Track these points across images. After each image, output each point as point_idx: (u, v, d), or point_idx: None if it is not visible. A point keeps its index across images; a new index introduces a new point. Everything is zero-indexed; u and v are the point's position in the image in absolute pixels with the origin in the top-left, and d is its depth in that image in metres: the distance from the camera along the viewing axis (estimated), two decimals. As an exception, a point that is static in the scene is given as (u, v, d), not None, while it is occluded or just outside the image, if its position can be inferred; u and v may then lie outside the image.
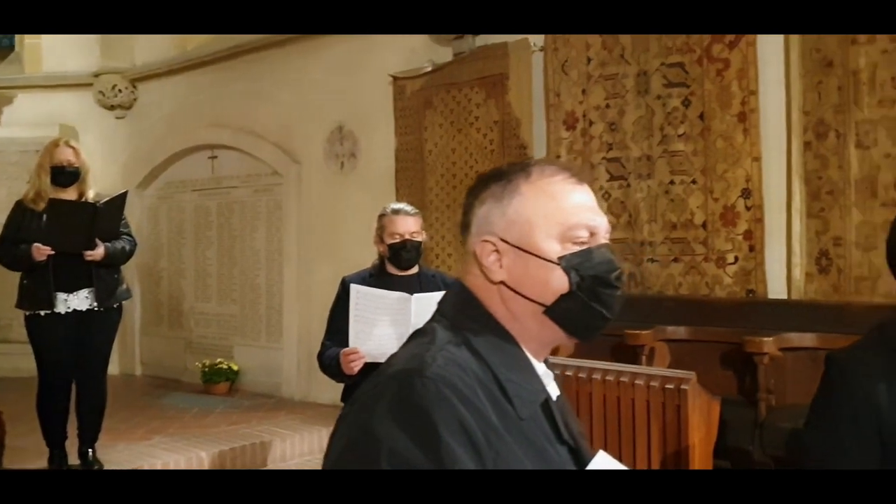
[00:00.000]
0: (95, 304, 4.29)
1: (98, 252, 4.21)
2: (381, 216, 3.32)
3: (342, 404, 2.15)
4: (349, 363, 3.00)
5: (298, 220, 6.32)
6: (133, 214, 6.55)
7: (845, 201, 3.85)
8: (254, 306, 6.78)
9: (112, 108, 7.66)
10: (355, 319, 3.03)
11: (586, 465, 1.15)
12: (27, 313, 4.27)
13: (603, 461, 1.14)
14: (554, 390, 1.18)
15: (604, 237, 1.16)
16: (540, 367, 1.16)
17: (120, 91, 7.58)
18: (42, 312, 4.21)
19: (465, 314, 1.15)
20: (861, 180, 3.81)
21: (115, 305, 4.42)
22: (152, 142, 7.45)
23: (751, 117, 4.09)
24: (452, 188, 5.20)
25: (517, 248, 1.14)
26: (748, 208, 4.11)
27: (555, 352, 4.25)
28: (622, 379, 3.41)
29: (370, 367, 2.94)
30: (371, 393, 1.06)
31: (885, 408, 1.65)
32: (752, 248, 4.10)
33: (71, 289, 4.25)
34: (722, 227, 4.19)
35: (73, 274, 4.22)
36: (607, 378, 3.46)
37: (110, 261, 4.30)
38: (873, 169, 3.79)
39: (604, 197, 4.59)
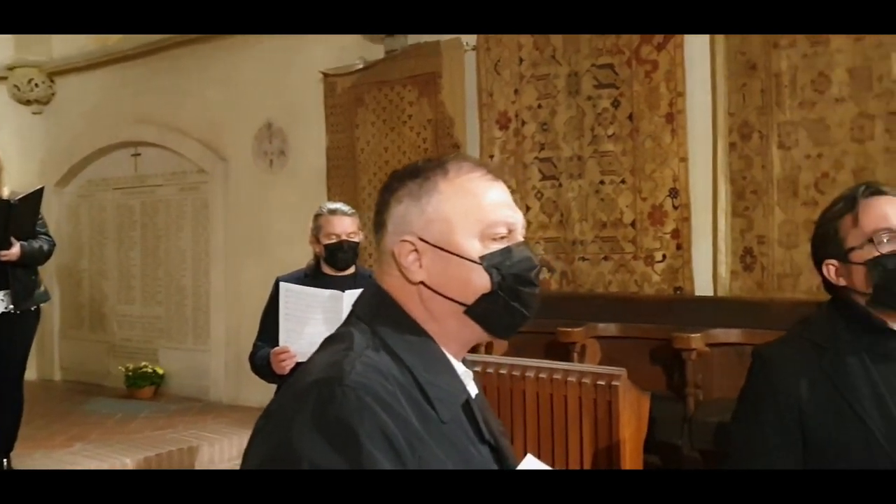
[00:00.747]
0: (11, 306, 4.12)
1: (13, 252, 4.03)
2: (318, 216, 3.26)
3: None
4: (280, 363, 2.94)
5: (226, 220, 6.18)
6: (52, 213, 6.32)
7: (768, 200, 3.97)
8: (180, 308, 6.60)
9: (28, 102, 7.33)
10: (286, 318, 2.97)
11: (508, 463, 1.14)
12: (-62, 317, 4.06)
13: (531, 465, 1.14)
14: (473, 389, 1.16)
15: (520, 234, 1.16)
16: (459, 367, 1.14)
17: (36, 85, 7.27)
18: (-46, 316, 4.01)
19: (382, 316, 1.13)
20: (783, 180, 3.94)
21: (32, 308, 4.25)
22: (72, 138, 7.17)
23: (678, 118, 4.18)
24: (385, 187, 5.15)
25: (437, 247, 1.12)
26: (675, 207, 4.19)
27: (489, 349, 4.27)
28: (555, 376, 3.43)
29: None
30: (288, 404, 1.02)
31: (806, 402, 1.69)
32: (679, 247, 4.19)
33: (-15, 290, 4.07)
34: (650, 225, 4.26)
35: (-13, 275, 4.04)
36: (540, 376, 3.47)
37: (27, 261, 4.13)
38: (794, 169, 3.91)
39: (536, 196, 4.63)
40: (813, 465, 1.70)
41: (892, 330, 1.72)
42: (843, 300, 1.76)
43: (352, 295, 2.97)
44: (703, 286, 4.14)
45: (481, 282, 1.11)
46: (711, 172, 4.11)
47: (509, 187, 4.80)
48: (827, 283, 1.84)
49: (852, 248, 1.71)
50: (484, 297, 1.11)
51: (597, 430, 3.32)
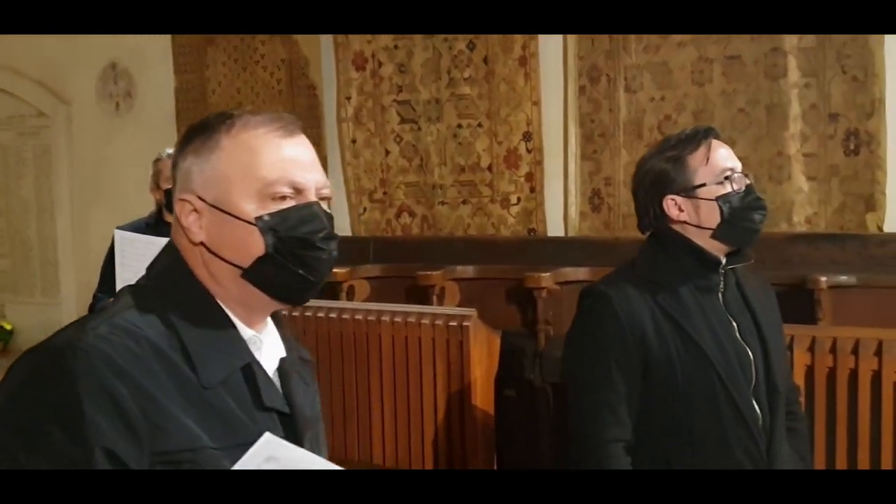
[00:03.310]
0: None
1: None
2: (157, 161, 3.17)
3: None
4: None
5: (70, 167, 5.82)
6: None
7: (615, 143, 4.09)
8: (26, 261, 6.22)
9: None
10: (122, 267, 2.87)
11: (298, 432, 1.12)
12: None
13: (269, 443, 1.09)
14: (276, 353, 1.16)
15: (314, 195, 1.11)
16: (247, 332, 1.12)
17: None
18: None
19: (166, 276, 1.11)
20: (629, 123, 4.07)
21: None
22: None
23: (531, 62, 4.22)
24: (240, 131, 4.98)
25: (214, 207, 1.08)
26: (529, 151, 4.27)
27: (350, 294, 4.26)
28: (409, 319, 3.48)
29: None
30: (18, 366, 0.99)
31: (650, 336, 1.79)
32: (532, 190, 4.28)
33: None
34: (506, 169, 4.33)
35: None
36: (395, 319, 3.51)
37: None
38: (639, 112, 4.05)
39: (396, 140, 4.59)
40: (657, 398, 1.81)
41: (719, 263, 1.84)
42: (676, 236, 1.86)
43: None
44: (554, 227, 4.26)
45: (257, 244, 1.07)
46: (562, 116, 4.20)
47: (367, 130, 4.69)
48: (652, 221, 1.93)
49: (702, 185, 1.81)
50: (259, 260, 1.07)
51: (450, 369, 3.40)
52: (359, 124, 4.61)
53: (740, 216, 1.80)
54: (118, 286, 2.87)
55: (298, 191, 1.10)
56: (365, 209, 4.62)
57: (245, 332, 1.11)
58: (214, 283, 1.10)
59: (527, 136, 4.27)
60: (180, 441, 0.98)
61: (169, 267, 1.12)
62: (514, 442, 3.82)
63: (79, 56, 5.65)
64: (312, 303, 3.97)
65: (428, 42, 4.45)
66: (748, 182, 1.83)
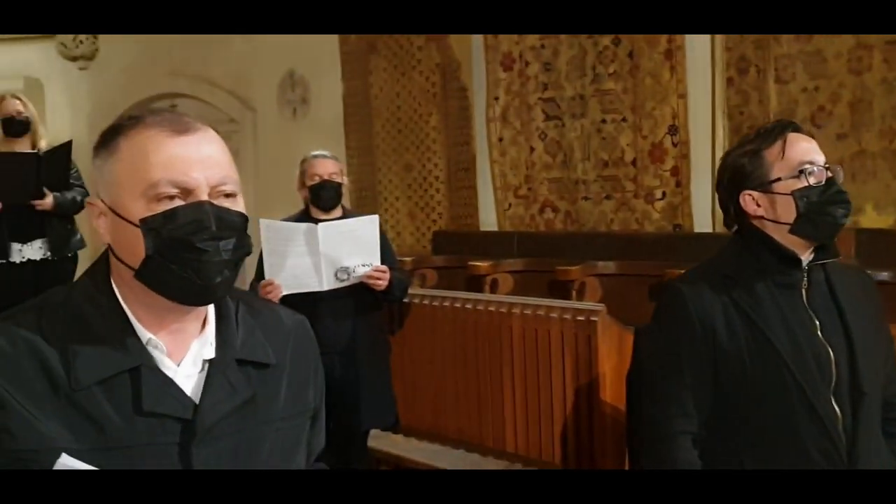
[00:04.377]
0: (49, 253, 4.42)
1: (47, 202, 4.31)
2: (302, 162, 3.49)
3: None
4: (266, 294, 3.16)
5: (256, 168, 6.41)
6: (97, 165, 6.62)
7: (765, 136, 3.93)
8: (220, 254, 6.90)
9: (74, 59, 7.64)
10: (269, 253, 3.19)
11: (196, 439, 1.08)
12: (-18, 264, 4.40)
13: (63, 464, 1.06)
14: (201, 355, 1.14)
15: (206, 194, 1.08)
16: (146, 335, 1.11)
17: (81, 42, 7.57)
18: (-3, 262, 4.34)
19: (89, 277, 1.15)
20: (780, 114, 3.89)
21: (69, 255, 4.54)
22: (115, 93, 7.46)
23: (677, 54, 4.16)
24: (398, 132, 5.28)
25: (111, 209, 1.10)
26: (675, 145, 4.20)
27: (493, 288, 4.40)
28: (539, 313, 3.55)
29: (288, 299, 3.10)
30: None
31: (721, 331, 1.80)
32: (678, 184, 4.21)
33: (25, 239, 4.38)
34: (650, 163, 4.29)
35: (25, 224, 4.34)
36: (525, 312, 3.60)
37: (61, 210, 4.41)
38: (791, 103, 3.87)
39: (540, 137, 4.68)
40: (728, 393, 1.81)
41: (799, 260, 1.80)
42: (755, 232, 1.84)
43: (326, 227, 3.17)
44: (702, 222, 4.17)
45: (142, 246, 1.07)
46: (710, 108, 4.10)
47: (514, 129, 4.86)
48: (733, 217, 1.92)
49: (778, 179, 1.79)
50: (145, 261, 1.07)
51: (577, 363, 3.43)
52: (506, 123, 4.74)
53: (819, 210, 1.75)
54: (266, 270, 3.21)
55: (187, 190, 1.08)
56: (510, 205, 4.75)
57: (144, 334, 1.10)
58: (123, 285, 1.11)
59: (672, 130, 4.20)
60: (26, 441, 1.02)
61: (94, 269, 1.15)
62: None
63: (262, 66, 6.21)
64: (450, 293, 4.18)
65: (573, 40, 4.49)
66: (829, 176, 1.77)
